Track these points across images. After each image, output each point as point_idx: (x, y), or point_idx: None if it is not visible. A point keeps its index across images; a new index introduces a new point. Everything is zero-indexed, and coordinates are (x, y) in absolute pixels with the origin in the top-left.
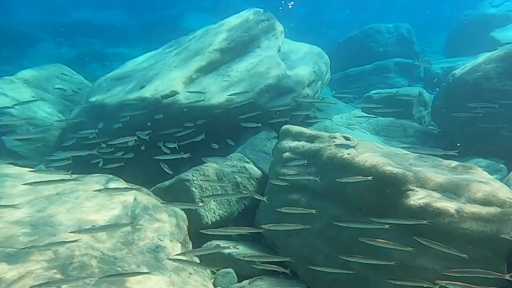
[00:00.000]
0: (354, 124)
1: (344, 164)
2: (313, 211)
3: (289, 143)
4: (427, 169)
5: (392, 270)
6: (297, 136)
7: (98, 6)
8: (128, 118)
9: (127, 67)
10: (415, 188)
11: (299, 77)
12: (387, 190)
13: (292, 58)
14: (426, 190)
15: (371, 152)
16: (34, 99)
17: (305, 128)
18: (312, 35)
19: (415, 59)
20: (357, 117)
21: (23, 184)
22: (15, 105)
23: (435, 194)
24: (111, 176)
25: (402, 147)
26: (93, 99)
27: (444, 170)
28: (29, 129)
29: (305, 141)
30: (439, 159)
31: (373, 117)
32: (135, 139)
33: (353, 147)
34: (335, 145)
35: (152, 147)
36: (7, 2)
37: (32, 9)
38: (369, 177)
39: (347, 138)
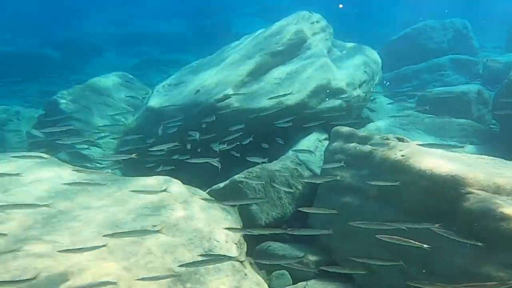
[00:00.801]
0: (408, 125)
1: (397, 166)
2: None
3: (340, 145)
4: (488, 170)
5: (452, 276)
6: (349, 138)
7: (156, 16)
8: (182, 122)
9: (182, 73)
10: (475, 191)
11: (349, 78)
12: (444, 193)
13: (342, 59)
14: (488, 193)
15: (427, 153)
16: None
17: (356, 129)
18: (362, 34)
19: (487, 59)
20: (411, 117)
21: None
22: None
23: (499, 197)
24: (168, 177)
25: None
26: (151, 104)
27: (509, 171)
28: (103, 135)
29: (357, 143)
30: (502, 160)
31: (428, 116)
32: (176, 144)
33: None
34: (372, 144)
35: (208, 150)
36: (78, 16)
37: (98, 22)
38: (396, 183)
39: (400, 139)
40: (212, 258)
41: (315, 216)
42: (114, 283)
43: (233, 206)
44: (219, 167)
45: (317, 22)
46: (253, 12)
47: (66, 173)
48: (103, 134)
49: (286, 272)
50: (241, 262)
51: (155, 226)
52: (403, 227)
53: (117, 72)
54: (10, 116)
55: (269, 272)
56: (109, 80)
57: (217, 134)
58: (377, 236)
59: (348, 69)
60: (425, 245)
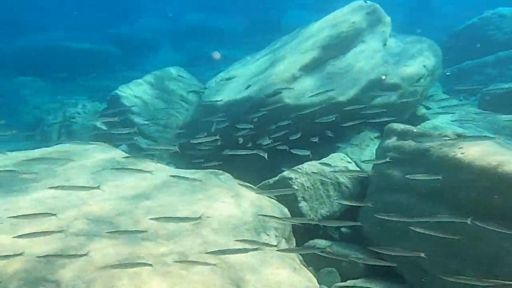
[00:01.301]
0: (468, 123)
1: (457, 164)
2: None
3: (393, 142)
4: None
5: None
6: (403, 135)
7: (208, 11)
8: (233, 117)
9: (234, 68)
10: None
11: (406, 73)
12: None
13: (399, 52)
14: None
15: (490, 150)
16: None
17: (411, 126)
18: (421, 26)
19: None
20: (473, 114)
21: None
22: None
23: None
24: (219, 171)
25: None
26: (204, 99)
27: None
28: (158, 129)
29: (412, 140)
30: None
31: (492, 114)
32: (218, 138)
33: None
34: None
35: (258, 146)
36: (135, 12)
37: (153, 18)
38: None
39: (460, 137)
40: (254, 245)
41: (365, 215)
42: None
43: (279, 201)
44: (266, 156)
45: (373, 13)
46: (306, 5)
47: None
48: (156, 128)
49: (335, 270)
50: (292, 257)
51: (208, 217)
52: (440, 220)
53: (172, 67)
54: (78, 109)
55: (317, 269)
56: (164, 75)
57: (266, 129)
58: (410, 227)
59: (405, 63)
60: (457, 237)
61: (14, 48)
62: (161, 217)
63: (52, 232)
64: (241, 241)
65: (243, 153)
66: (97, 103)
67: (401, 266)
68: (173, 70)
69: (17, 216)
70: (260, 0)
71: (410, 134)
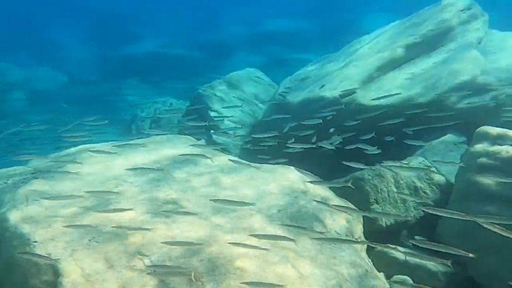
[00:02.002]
0: None
1: None
2: None
3: (486, 147)
4: None
5: None
6: (498, 139)
7: (284, 16)
8: (305, 116)
9: (308, 69)
10: None
11: (503, 73)
12: None
13: (497, 51)
14: None
15: None
16: (239, 105)
17: (508, 130)
18: None
19: None
20: None
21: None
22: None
23: None
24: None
25: None
26: (277, 98)
27: None
28: (229, 125)
29: (510, 145)
30: None
31: None
32: (277, 134)
33: None
34: None
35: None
36: (220, 20)
37: (233, 23)
38: None
39: None
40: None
41: (447, 225)
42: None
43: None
44: (333, 148)
45: (468, 9)
46: (385, 7)
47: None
48: (234, 125)
49: (408, 278)
50: (362, 259)
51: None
52: None
53: (249, 69)
54: (166, 107)
55: (388, 276)
56: (242, 76)
57: (338, 128)
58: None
59: (503, 62)
60: None
61: (119, 55)
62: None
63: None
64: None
65: (306, 147)
66: (182, 101)
67: (489, 281)
68: (251, 72)
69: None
70: (337, 3)
71: (507, 139)
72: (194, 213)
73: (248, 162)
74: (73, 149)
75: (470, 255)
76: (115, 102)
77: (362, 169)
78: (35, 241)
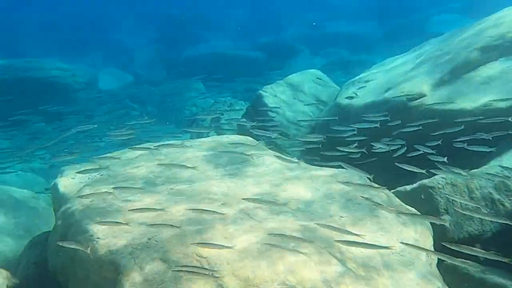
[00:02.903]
0: None
1: None
2: None
3: None
4: None
5: None
6: None
7: (348, 19)
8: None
9: (372, 72)
10: None
11: None
12: None
13: None
14: None
15: None
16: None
17: None
18: None
19: None
20: None
21: None
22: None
23: None
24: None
25: None
26: (339, 100)
27: None
28: (289, 126)
29: None
30: None
31: None
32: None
33: None
34: None
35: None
36: (282, 22)
37: (297, 27)
38: None
39: None
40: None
41: None
42: None
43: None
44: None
45: None
46: (454, 9)
47: None
48: (291, 126)
49: None
50: (434, 274)
51: (342, 217)
52: None
53: (310, 70)
54: (226, 107)
55: None
56: (303, 77)
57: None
58: None
59: None
60: None
61: (183, 56)
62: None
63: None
64: None
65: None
66: (242, 102)
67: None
68: (312, 73)
69: None
70: (403, 6)
71: None
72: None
73: (306, 165)
74: (125, 150)
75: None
76: (178, 102)
77: (429, 176)
78: (98, 238)
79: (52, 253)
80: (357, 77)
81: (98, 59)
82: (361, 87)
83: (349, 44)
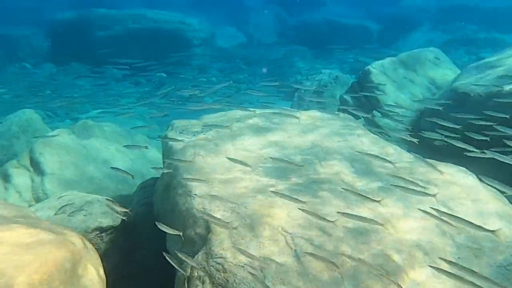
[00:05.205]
0: None
1: None
2: None
3: None
4: None
5: None
6: None
7: None
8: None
9: (505, 55)
10: None
11: None
12: None
13: None
14: None
15: None
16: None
17: None
18: None
19: None
20: None
21: None
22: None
23: None
24: (462, 168)
25: None
26: (457, 84)
27: None
28: (395, 107)
29: None
30: None
31: None
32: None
33: None
34: None
35: None
36: None
37: None
38: None
39: None
40: None
41: None
42: None
43: None
44: None
45: None
46: None
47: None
48: (397, 109)
49: None
50: None
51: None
52: None
53: (428, 48)
54: (331, 80)
55: None
56: (418, 55)
57: None
58: None
59: None
60: None
61: (297, 20)
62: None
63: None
64: None
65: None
66: (348, 75)
67: None
68: (430, 51)
69: None
70: None
71: None
72: None
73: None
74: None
75: None
76: (284, 67)
77: None
78: (195, 194)
79: (157, 200)
80: (483, 61)
81: (219, 16)
82: (487, 74)
83: (480, 18)
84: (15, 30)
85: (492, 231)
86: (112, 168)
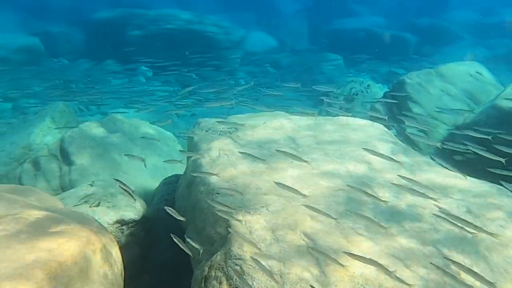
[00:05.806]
0: None
1: None
2: None
3: None
4: None
5: None
6: None
7: None
8: None
9: None
10: None
11: None
12: None
13: None
14: None
15: None
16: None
17: None
18: None
19: None
20: None
21: None
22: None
23: None
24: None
25: None
26: (499, 102)
27: None
28: (428, 120)
29: None
30: None
31: None
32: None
33: None
34: None
35: None
36: (444, 4)
37: (461, 8)
38: None
39: None
40: None
41: None
42: None
43: None
44: None
45: None
46: None
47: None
48: (432, 121)
49: None
50: None
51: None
52: None
53: (470, 62)
54: (362, 88)
55: None
56: (458, 68)
57: None
58: None
59: None
60: None
61: (330, 29)
62: None
63: None
64: None
65: None
66: (381, 85)
67: None
68: (471, 65)
69: None
70: None
71: None
72: None
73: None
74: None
75: None
76: (315, 74)
77: None
78: (217, 193)
79: (179, 196)
80: None
81: (250, 19)
82: None
83: None
84: (55, 27)
85: (492, 234)
86: (115, 179)
